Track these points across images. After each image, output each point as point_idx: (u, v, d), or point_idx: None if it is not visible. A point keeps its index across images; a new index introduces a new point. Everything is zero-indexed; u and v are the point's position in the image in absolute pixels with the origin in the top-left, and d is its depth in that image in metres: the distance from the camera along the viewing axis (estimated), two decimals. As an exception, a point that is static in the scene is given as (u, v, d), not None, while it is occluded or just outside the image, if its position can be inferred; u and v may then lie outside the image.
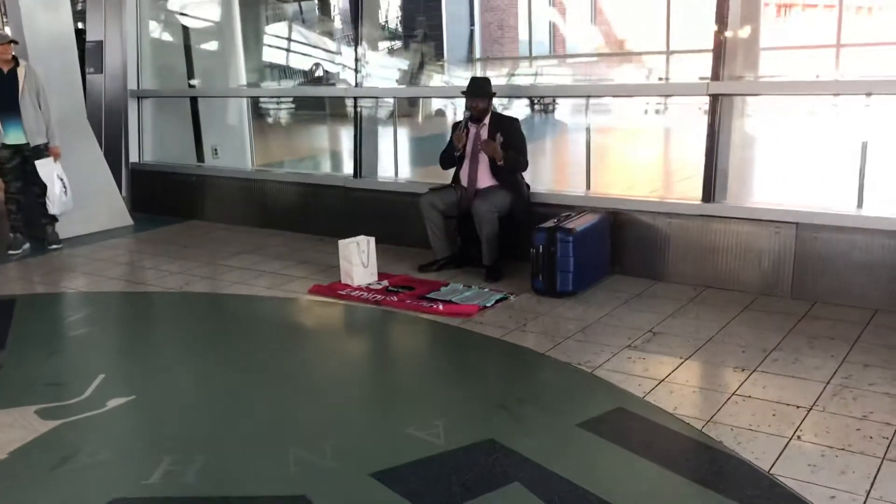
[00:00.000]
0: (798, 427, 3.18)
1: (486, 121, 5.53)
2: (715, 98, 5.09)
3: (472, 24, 18.09)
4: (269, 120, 13.46)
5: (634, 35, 20.02)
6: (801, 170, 9.08)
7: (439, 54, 17.19)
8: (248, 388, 3.85)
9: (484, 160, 5.50)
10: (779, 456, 2.96)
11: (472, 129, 5.55)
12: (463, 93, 5.56)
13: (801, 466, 2.89)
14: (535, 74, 18.39)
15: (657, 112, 12.95)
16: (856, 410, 3.30)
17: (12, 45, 6.38)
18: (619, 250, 5.40)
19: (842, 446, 3.02)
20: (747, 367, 3.79)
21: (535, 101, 12.17)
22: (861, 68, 14.02)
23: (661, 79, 16.97)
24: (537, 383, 3.78)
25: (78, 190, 6.74)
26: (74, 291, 5.66)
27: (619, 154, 11.11)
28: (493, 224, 5.32)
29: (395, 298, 5.01)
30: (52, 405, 3.63)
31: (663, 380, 3.68)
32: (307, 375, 4.03)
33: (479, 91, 5.50)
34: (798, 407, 3.35)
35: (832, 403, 3.37)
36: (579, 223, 5.07)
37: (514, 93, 7.27)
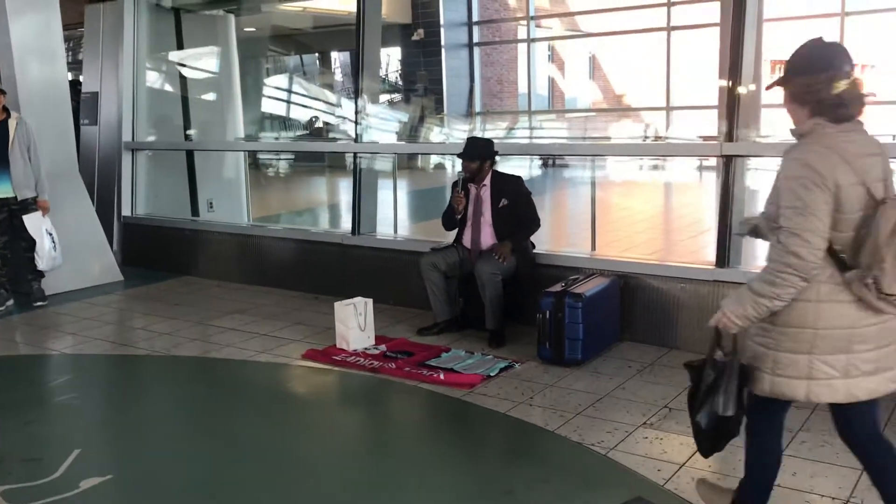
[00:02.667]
0: (835, 523, 2.91)
1: (487, 181, 5.34)
2: (728, 159, 4.90)
3: (471, 78, 18.14)
4: (267, 171, 13.35)
5: (632, 90, 20.15)
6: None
7: (439, 108, 17.21)
8: (234, 467, 3.57)
9: (487, 222, 5.30)
10: (818, 558, 2.68)
11: (473, 191, 5.36)
12: (459, 155, 5.38)
13: (844, 571, 2.61)
14: (531, 128, 18.41)
15: (654, 167, 12.86)
16: (897, 504, 3.02)
17: (1, 94, 6.21)
18: (628, 316, 5.16)
19: (886, 547, 2.74)
20: (773, 450, 3.52)
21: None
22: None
23: (658, 138, 17.00)
24: (547, 466, 3.50)
25: (67, 244, 6.51)
26: (57, 353, 5.39)
27: (618, 209, 10.97)
28: (497, 287, 5.09)
29: (394, 366, 4.75)
30: (21, 486, 3.35)
31: (684, 464, 3.40)
32: (298, 454, 3.75)
33: (470, 154, 5.29)
34: (833, 499, 3.08)
35: (870, 496, 3.08)
36: (588, 287, 4.84)
37: (520, 151, 7.13)
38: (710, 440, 2.63)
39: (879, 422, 2.65)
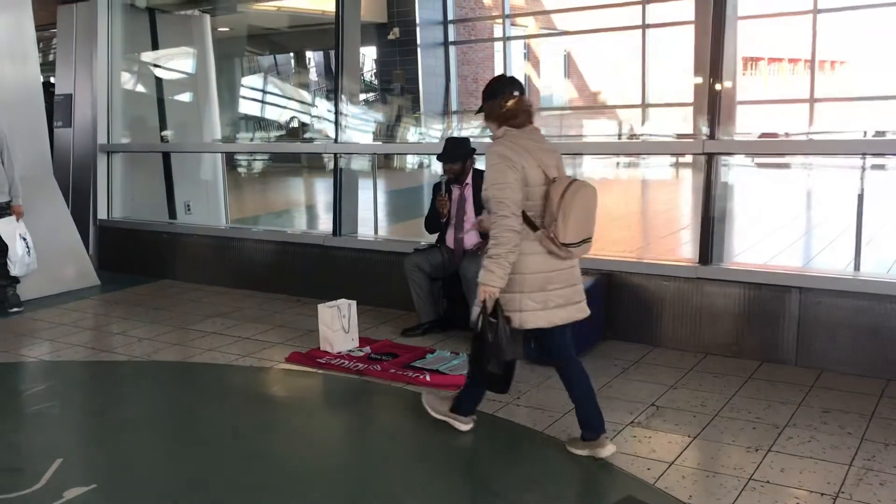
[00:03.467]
0: (825, 518, 2.93)
1: (469, 179, 5.32)
2: (710, 157, 4.92)
3: (447, 77, 18.11)
4: (244, 172, 13.24)
5: (607, 88, 20.23)
6: (777, 226, 9.02)
7: (416, 107, 17.16)
8: (219, 473, 3.53)
9: (470, 221, 5.28)
10: (809, 554, 2.70)
11: (456, 191, 5.33)
12: (438, 157, 5.35)
13: (836, 567, 2.62)
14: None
15: (630, 165, 12.91)
16: (885, 499, 3.05)
17: (-26, 99, 6.10)
18: (612, 314, 5.17)
19: (876, 542, 2.76)
20: (761, 446, 3.54)
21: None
22: (827, 122, 14.24)
23: (633, 135, 17.07)
24: (537, 467, 3.48)
25: (42, 248, 6.41)
26: (35, 360, 5.29)
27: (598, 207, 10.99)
28: (482, 287, 5.07)
29: (379, 368, 4.72)
30: (3, 497, 3.28)
31: (673, 462, 3.41)
32: (284, 460, 3.70)
33: (451, 156, 5.25)
34: (822, 494, 3.09)
35: (858, 490, 3.11)
36: (572, 287, 4.83)
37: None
38: (501, 381, 3.44)
39: (572, 347, 3.53)
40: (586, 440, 3.47)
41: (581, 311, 3.45)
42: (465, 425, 3.75)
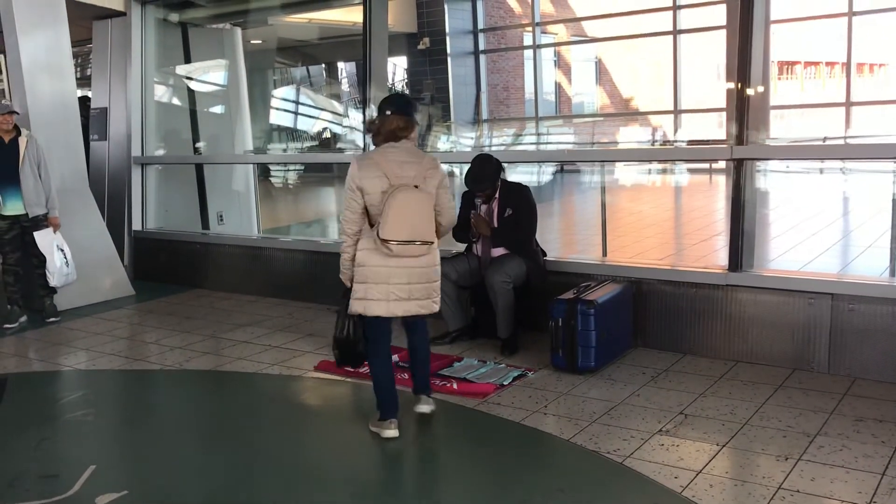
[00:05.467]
0: (856, 529, 2.87)
1: (497, 193, 5.31)
2: (739, 163, 4.87)
3: (478, 86, 18.12)
4: (276, 182, 13.37)
5: (639, 94, 20.12)
6: (804, 230, 8.88)
7: (446, 116, 17.19)
8: (249, 481, 3.56)
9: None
10: (839, 565, 2.65)
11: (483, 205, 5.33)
12: (467, 182, 5.34)
13: (867, 578, 2.58)
14: (539, 134, 18.38)
15: (663, 171, 12.81)
16: (919, 509, 2.99)
17: (13, 115, 6.24)
18: (641, 322, 5.14)
19: (909, 553, 2.71)
20: (791, 455, 3.49)
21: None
22: (866, 126, 14.00)
23: (666, 141, 16.94)
24: (563, 476, 3.48)
25: (78, 259, 6.54)
26: (70, 369, 5.40)
27: (627, 213, 10.93)
28: (509, 295, 5.07)
29: (406, 376, 4.72)
30: (37, 503, 3.35)
31: (701, 471, 3.37)
32: (313, 466, 3.74)
33: (482, 185, 5.22)
34: (854, 504, 3.05)
35: (891, 501, 3.06)
36: (600, 294, 4.81)
37: (530, 158, 7.10)
38: (337, 349, 3.99)
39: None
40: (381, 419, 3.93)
41: (423, 307, 3.82)
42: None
